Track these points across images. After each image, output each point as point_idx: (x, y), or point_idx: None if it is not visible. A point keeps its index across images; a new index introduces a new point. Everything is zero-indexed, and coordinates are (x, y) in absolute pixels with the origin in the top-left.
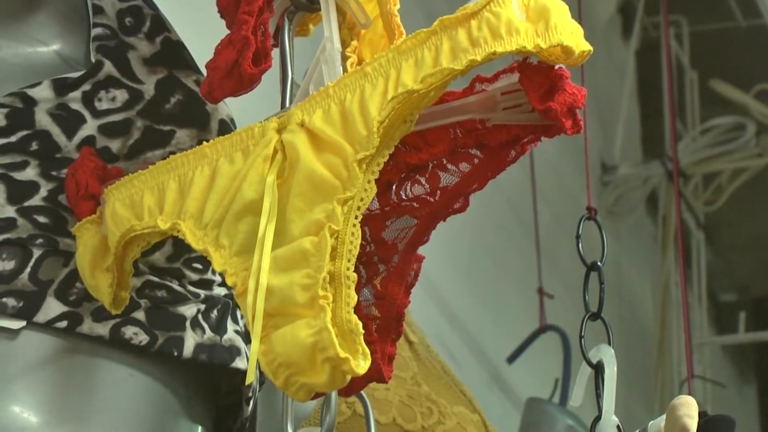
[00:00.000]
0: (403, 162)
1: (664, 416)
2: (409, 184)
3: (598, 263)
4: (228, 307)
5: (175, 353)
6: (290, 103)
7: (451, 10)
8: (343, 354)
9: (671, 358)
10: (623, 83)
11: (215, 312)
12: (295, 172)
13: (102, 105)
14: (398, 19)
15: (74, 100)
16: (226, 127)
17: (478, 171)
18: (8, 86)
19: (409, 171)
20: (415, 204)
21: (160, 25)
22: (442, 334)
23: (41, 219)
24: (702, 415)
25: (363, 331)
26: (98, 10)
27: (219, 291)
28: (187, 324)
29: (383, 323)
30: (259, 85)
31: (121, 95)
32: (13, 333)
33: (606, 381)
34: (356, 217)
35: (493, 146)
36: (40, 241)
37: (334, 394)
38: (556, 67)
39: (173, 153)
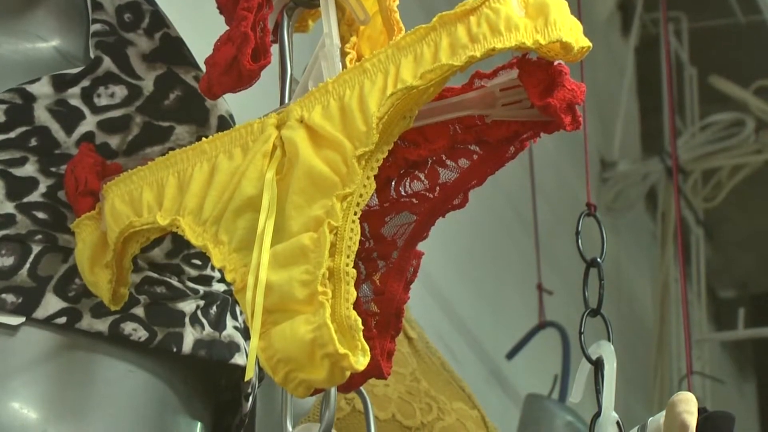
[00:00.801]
0: (402, 158)
1: (663, 412)
2: (408, 180)
3: (598, 259)
4: (227, 303)
5: (174, 349)
6: (289, 99)
7: (450, 7)
8: (342, 350)
9: (671, 355)
10: (622, 79)
11: (214, 308)
12: (295, 168)
13: (101, 101)
14: (397, 15)
15: (73, 96)
16: (225, 123)
17: (477, 167)
18: (7, 82)
19: (408, 167)
20: (414, 200)
21: (159, 21)
22: (441, 330)
23: (40, 215)
24: (701, 411)
25: (362, 327)
26: (97, 6)
27: (218, 287)
28: (187, 320)
29: (382, 319)
30: (258, 81)
31: (120, 91)
32: (13, 329)
33: (605, 377)
34: (355, 213)
35: (492, 142)
36: (39, 237)
37: (333, 390)
38: (556, 63)
39: (172, 149)
